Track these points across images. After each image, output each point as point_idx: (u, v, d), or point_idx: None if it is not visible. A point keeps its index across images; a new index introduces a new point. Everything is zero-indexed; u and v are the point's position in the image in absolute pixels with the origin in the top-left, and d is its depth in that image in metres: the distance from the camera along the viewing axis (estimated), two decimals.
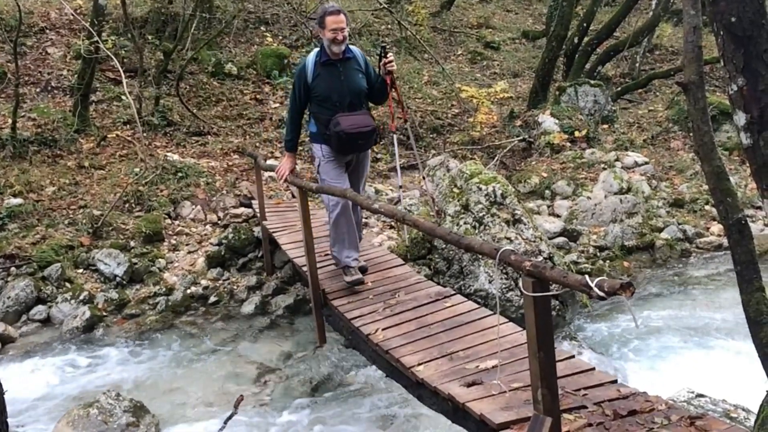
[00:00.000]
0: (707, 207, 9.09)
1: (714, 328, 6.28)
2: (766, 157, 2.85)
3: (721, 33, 2.87)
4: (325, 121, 4.89)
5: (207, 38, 11.63)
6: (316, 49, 4.97)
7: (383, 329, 4.31)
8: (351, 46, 4.93)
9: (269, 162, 8.74)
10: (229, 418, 4.97)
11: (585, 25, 12.89)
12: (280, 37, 13.71)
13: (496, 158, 10.45)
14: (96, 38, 8.56)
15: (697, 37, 3.96)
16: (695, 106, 3.95)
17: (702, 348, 5.95)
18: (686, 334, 6.23)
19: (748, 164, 3.06)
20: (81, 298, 6.83)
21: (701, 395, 4.53)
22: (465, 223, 6.85)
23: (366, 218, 8.34)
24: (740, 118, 2.91)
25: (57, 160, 8.89)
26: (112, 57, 8.68)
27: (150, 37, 11.45)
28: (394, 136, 5.90)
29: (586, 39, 13.13)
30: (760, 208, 8.59)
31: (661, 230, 8.53)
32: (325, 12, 4.73)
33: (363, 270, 5.27)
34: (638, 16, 15.52)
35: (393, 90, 5.10)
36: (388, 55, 4.93)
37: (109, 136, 9.50)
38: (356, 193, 4.70)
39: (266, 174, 8.73)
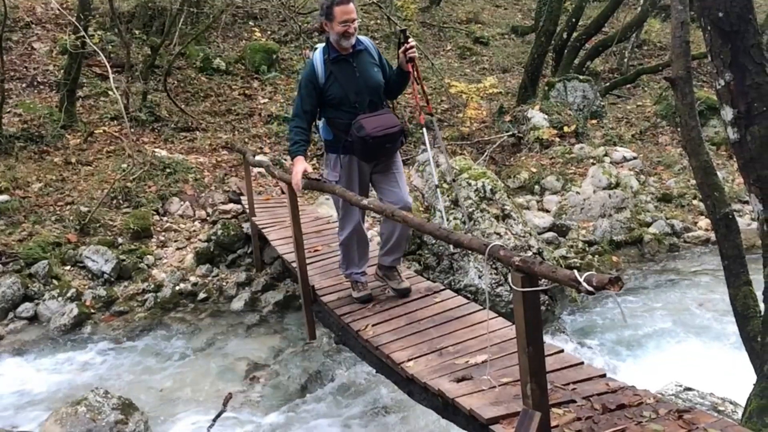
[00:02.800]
0: (695, 202, 9.16)
1: (702, 322, 6.32)
2: (753, 151, 2.87)
3: (709, 28, 2.89)
4: (342, 127, 4.27)
5: (195, 33, 11.56)
6: (320, 46, 4.35)
7: (373, 325, 4.29)
8: (359, 36, 4.30)
9: (258, 158, 8.70)
10: (219, 415, 4.95)
11: (574, 20, 12.93)
12: (269, 32, 13.65)
13: (486, 153, 10.46)
14: (82, 33, 8.50)
15: (684, 33, 3.98)
16: (683, 101, 3.97)
17: (690, 342, 5.98)
18: (674, 328, 6.27)
19: (735, 159, 3.07)
20: (68, 295, 6.78)
21: (689, 389, 4.56)
22: (455, 218, 6.86)
23: None
24: (727, 113, 2.93)
25: (43, 156, 8.81)
26: (99, 52, 8.63)
27: (137, 32, 11.38)
28: (425, 131, 5.27)
29: (574, 34, 13.17)
30: (747, 202, 8.64)
31: (649, 225, 8.58)
32: (333, 2, 4.09)
33: (405, 292, 4.61)
34: (626, 12, 15.57)
35: (416, 80, 4.53)
36: (409, 41, 4.23)
37: (96, 131, 9.44)
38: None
39: (255, 170, 8.70)
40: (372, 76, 4.30)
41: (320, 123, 4.43)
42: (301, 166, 4.33)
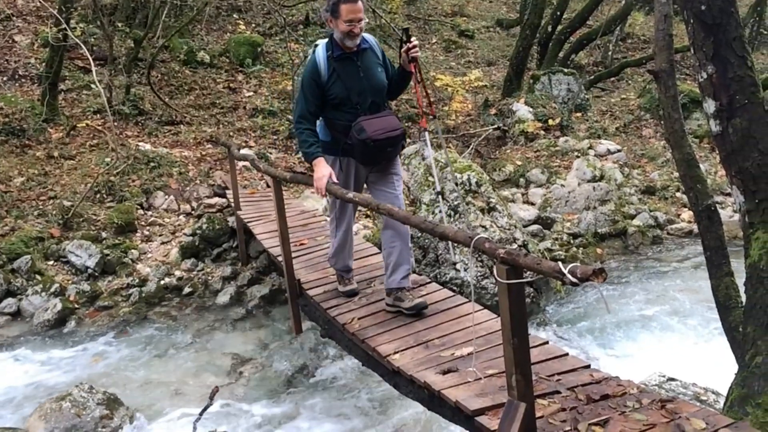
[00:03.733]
0: (678, 194, 9.24)
1: (685, 313, 6.39)
2: (734, 144, 2.90)
3: (691, 21, 2.91)
4: (342, 128, 4.07)
5: (178, 26, 11.46)
6: (323, 41, 4.12)
7: (359, 318, 4.30)
8: (364, 34, 4.09)
9: (243, 151, 8.67)
10: (205, 409, 4.94)
11: (558, 13, 12.98)
12: (254, 25, 13.58)
13: (471, 146, 10.48)
14: (64, 25, 8.38)
15: (668, 26, 4.01)
16: (666, 94, 4.00)
17: (673, 332, 6.05)
18: (658, 319, 6.33)
19: (717, 151, 3.10)
20: (52, 290, 6.72)
21: (672, 379, 4.61)
22: (440, 211, 6.87)
23: None
24: (710, 105, 2.95)
25: (25, 151, 8.71)
26: (81, 45, 8.52)
27: (120, 25, 11.26)
28: (427, 135, 4.95)
29: (559, 28, 13.23)
30: (729, 194, 8.73)
31: (633, 217, 8.65)
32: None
33: (420, 308, 4.20)
34: (610, 5, 15.63)
35: (419, 81, 4.34)
36: (411, 40, 4.04)
37: (78, 125, 9.34)
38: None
39: (240, 163, 8.66)
40: (376, 76, 4.11)
41: (317, 123, 4.22)
42: (326, 169, 4.06)
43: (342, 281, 4.75)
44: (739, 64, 2.88)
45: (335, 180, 4.06)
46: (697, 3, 2.86)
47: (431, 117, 4.80)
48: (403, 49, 4.06)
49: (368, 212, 8.14)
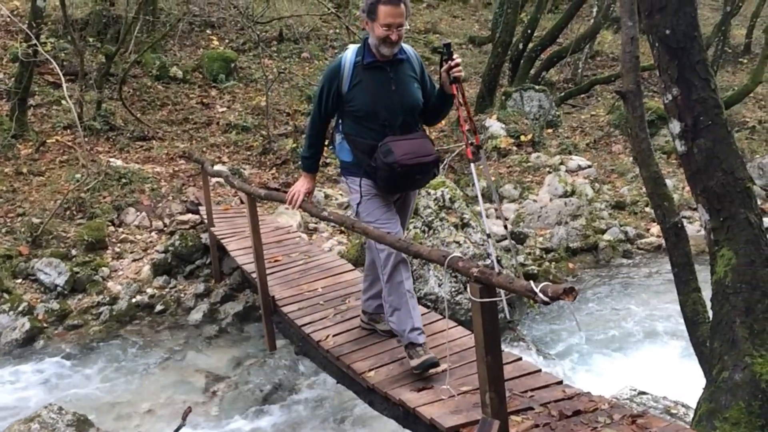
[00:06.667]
0: (647, 209, 9.40)
1: (655, 327, 6.50)
2: (699, 163, 2.98)
3: (657, 45, 2.99)
4: (366, 148, 3.55)
5: (151, 41, 11.41)
6: (354, 46, 3.64)
7: (334, 335, 4.30)
8: (403, 44, 3.58)
9: (216, 167, 8.63)
10: (177, 430, 4.87)
11: (529, 31, 13.20)
12: (227, 41, 13.57)
13: (444, 162, 10.56)
14: (34, 41, 8.30)
15: (634, 48, 4.12)
16: (633, 114, 4.10)
17: (644, 346, 6.15)
18: (629, 332, 6.43)
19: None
20: (20, 309, 6.59)
21: (643, 392, 4.68)
22: (414, 227, 6.90)
23: (315, 223, 8.32)
24: (675, 126, 3.04)
25: None
26: (51, 60, 8.44)
27: (91, 40, 11.18)
28: (473, 168, 3.98)
29: (530, 45, 13.45)
30: (696, 209, 8.91)
31: (603, 232, 8.78)
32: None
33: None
34: (580, 24, 15.95)
35: (462, 104, 3.66)
36: (453, 57, 3.51)
37: (48, 141, 9.23)
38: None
39: (213, 179, 8.61)
40: (411, 92, 3.60)
41: (337, 139, 3.74)
42: (309, 184, 3.80)
43: (414, 352, 3.61)
44: (703, 87, 2.97)
45: (311, 198, 3.86)
46: (662, 27, 2.95)
47: (477, 147, 3.98)
48: (443, 68, 3.53)
49: (342, 228, 8.15)
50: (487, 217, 8.95)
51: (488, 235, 4.01)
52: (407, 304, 3.62)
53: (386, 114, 3.52)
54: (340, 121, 3.68)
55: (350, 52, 3.57)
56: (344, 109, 3.59)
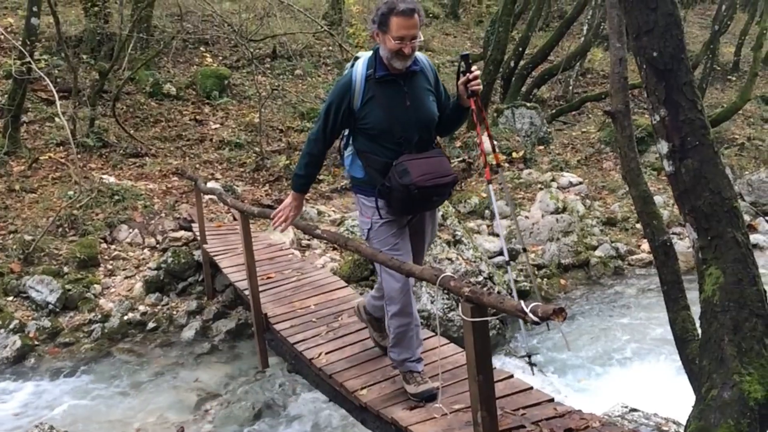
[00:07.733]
0: (638, 225, 9.45)
1: (646, 343, 6.53)
2: (687, 183, 3.02)
3: (644, 66, 3.04)
4: (380, 166, 3.32)
5: (145, 58, 11.46)
6: (366, 55, 3.38)
7: (326, 353, 4.31)
8: (417, 53, 3.32)
9: (210, 184, 8.65)
10: None
11: (520, 49, 13.34)
12: (221, 58, 13.64)
13: None
14: (28, 58, 8.33)
15: (623, 69, 4.18)
16: (622, 133, 4.16)
17: (635, 362, 6.17)
18: (620, 349, 6.45)
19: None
20: (11, 327, 6.56)
21: (635, 409, 4.70)
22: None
23: (308, 240, 8.33)
24: (663, 146, 3.08)
25: None
26: (45, 77, 8.46)
27: (85, 57, 11.22)
28: (491, 189, 3.71)
29: (521, 63, 13.58)
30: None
31: (595, 248, 8.84)
32: (392, 10, 3.11)
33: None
34: (571, 42, 16.13)
35: (481, 120, 3.53)
36: (472, 69, 3.26)
37: (41, 158, 9.23)
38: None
39: (206, 196, 8.63)
40: (427, 106, 3.36)
41: (347, 153, 3.50)
42: (295, 206, 3.58)
43: (412, 379, 3.56)
44: (690, 108, 3.01)
45: (298, 217, 3.67)
46: (650, 50, 3.00)
47: (497, 166, 3.81)
48: (461, 81, 3.27)
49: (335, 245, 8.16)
50: (478, 233, 9.00)
51: (508, 262, 3.83)
52: (411, 339, 3.54)
53: (401, 131, 3.29)
54: (350, 136, 3.45)
55: (360, 65, 3.31)
56: (356, 126, 3.35)
